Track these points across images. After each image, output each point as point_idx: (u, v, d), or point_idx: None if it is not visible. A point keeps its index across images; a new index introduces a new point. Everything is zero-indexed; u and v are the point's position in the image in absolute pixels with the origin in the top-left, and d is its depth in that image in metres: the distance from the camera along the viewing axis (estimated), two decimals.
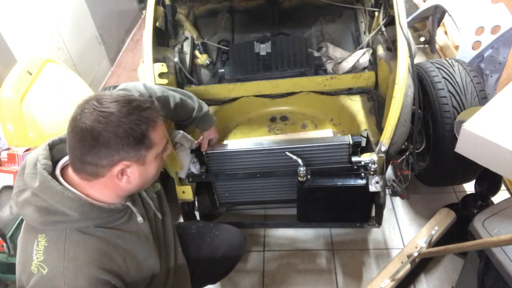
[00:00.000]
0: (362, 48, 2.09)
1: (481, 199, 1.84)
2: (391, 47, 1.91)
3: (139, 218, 1.11)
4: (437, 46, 3.16)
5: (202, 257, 1.48)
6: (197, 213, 1.91)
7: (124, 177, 0.99)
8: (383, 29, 1.99)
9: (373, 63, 2.04)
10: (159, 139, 1.01)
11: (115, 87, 1.57)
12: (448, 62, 1.89)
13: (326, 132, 2.08)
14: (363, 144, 1.77)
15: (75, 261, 0.96)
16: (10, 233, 1.63)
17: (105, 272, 0.99)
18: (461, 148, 1.44)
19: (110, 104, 0.94)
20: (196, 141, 1.74)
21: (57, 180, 0.99)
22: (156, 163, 1.05)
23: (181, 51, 2.21)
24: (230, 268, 1.59)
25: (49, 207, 0.96)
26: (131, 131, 0.94)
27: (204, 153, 1.71)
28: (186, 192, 1.68)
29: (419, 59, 2.87)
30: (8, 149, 1.87)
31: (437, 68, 1.85)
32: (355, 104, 2.03)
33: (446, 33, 3.25)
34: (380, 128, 1.85)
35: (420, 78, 1.87)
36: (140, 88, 1.36)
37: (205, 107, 1.64)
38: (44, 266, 0.95)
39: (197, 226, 1.58)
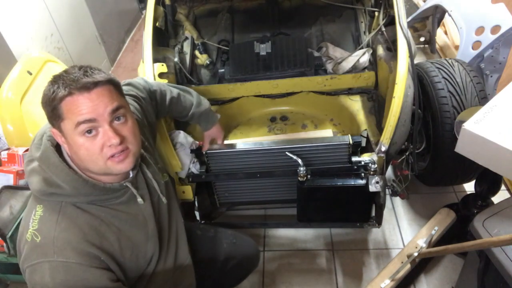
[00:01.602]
0: (362, 48, 2.09)
1: (481, 199, 1.84)
2: (391, 47, 1.91)
3: (139, 199, 1.11)
4: (437, 46, 3.16)
5: (216, 261, 1.48)
6: (197, 213, 1.91)
7: (65, 146, 1.01)
8: (383, 29, 1.99)
9: (373, 63, 2.04)
10: (71, 114, 0.94)
11: None
12: (448, 62, 1.89)
13: (326, 132, 2.08)
14: (363, 144, 1.77)
15: (65, 232, 0.98)
16: (10, 233, 1.63)
17: (94, 247, 1.00)
18: (461, 148, 1.44)
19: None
20: (196, 142, 1.74)
21: (61, 154, 1.03)
22: (82, 141, 0.96)
23: (181, 51, 2.21)
24: (241, 278, 1.59)
25: (48, 178, 0.99)
26: (46, 95, 0.97)
27: (204, 153, 1.71)
28: (186, 192, 1.68)
29: (419, 59, 2.87)
30: (8, 149, 1.87)
31: (437, 68, 1.85)
32: (355, 104, 2.03)
33: (446, 33, 3.25)
34: (380, 128, 1.85)
35: (420, 78, 1.86)
36: (141, 81, 1.46)
37: (205, 104, 1.64)
38: (37, 235, 0.98)
39: (216, 230, 1.58)
